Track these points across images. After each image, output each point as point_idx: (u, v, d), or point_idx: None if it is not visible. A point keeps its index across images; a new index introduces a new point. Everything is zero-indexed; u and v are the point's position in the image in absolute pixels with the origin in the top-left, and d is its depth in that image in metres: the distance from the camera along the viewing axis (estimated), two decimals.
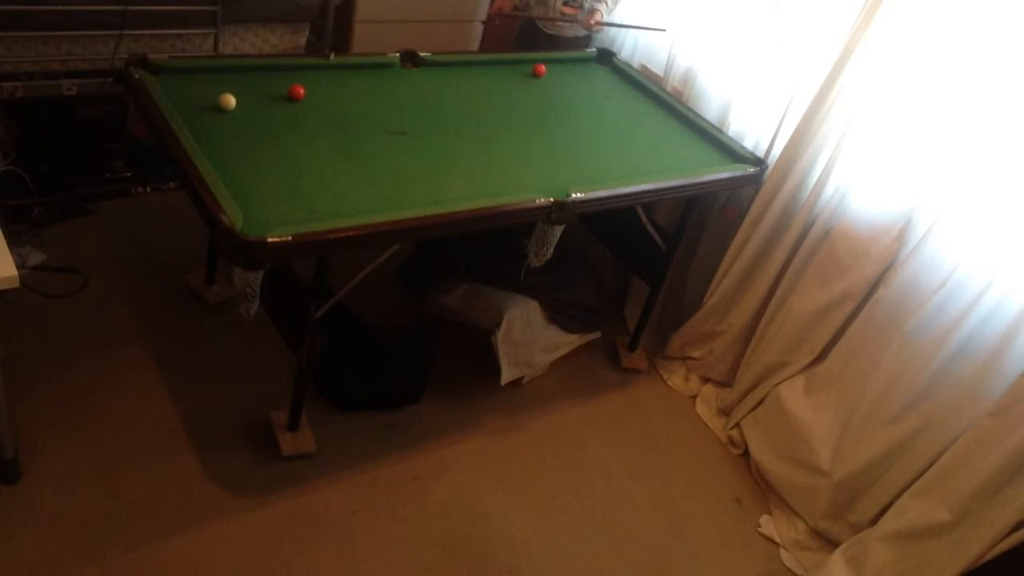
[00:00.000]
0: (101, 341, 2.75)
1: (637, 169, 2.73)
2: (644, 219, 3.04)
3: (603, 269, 3.69)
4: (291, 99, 2.57)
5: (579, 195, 2.43)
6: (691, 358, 3.34)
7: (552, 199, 2.38)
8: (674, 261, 3.18)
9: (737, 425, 3.10)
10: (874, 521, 2.63)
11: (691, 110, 3.19)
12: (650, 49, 3.57)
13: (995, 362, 2.36)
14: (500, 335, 2.83)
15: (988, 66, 2.38)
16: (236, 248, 1.93)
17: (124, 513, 2.29)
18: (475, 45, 4.00)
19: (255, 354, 2.86)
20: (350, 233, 2.05)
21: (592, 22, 3.38)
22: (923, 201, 2.56)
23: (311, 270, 2.27)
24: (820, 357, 2.87)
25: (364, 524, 2.46)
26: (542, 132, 2.83)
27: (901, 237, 2.62)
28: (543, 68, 3.20)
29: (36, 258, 2.95)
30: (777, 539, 2.81)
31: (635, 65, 3.54)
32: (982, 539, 2.28)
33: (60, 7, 2.81)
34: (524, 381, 3.08)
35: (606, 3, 3.39)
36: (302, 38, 3.46)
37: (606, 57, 3.50)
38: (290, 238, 1.95)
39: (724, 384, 3.26)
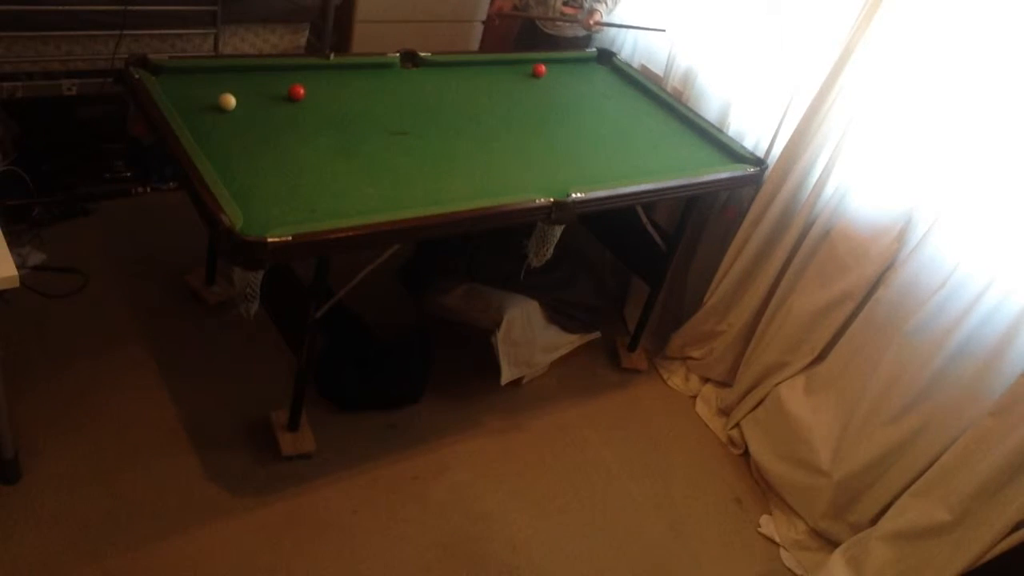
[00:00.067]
0: (101, 341, 2.75)
1: (637, 169, 2.73)
2: (644, 219, 3.04)
3: (603, 269, 3.69)
4: (291, 99, 2.57)
5: (579, 195, 2.43)
6: (691, 358, 3.34)
7: (552, 199, 2.38)
8: (674, 261, 3.18)
9: (737, 425, 3.10)
10: (874, 521, 2.63)
11: (691, 110, 3.19)
12: (650, 49, 3.57)
13: (995, 362, 2.36)
14: (500, 335, 2.83)
15: (988, 66, 2.38)
16: (236, 248, 1.93)
17: (124, 513, 2.29)
18: (475, 45, 4.00)
19: (255, 354, 2.86)
20: (350, 233, 2.05)
21: (592, 22, 3.38)
22: (923, 201, 2.56)
23: (311, 270, 2.27)
24: (820, 357, 2.87)
25: (364, 524, 2.46)
26: (542, 132, 2.83)
27: (901, 237, 2.62)
28: (543, 68, 3.20)
29: (36, 258, 2.95)
30: (777, 539, 2.81)
31: (635, 65, 3.54)
32: (982, 539, 2.28)
33: (60, 7, 2.81)
34: (524, 381, 3.08)
35: (606, 3, 3.39)
36: (302, 38, 3.46)
37: (606, 57, 3.50)
38: (290, 238, 1.95)
39: (724, 384, 3.26)
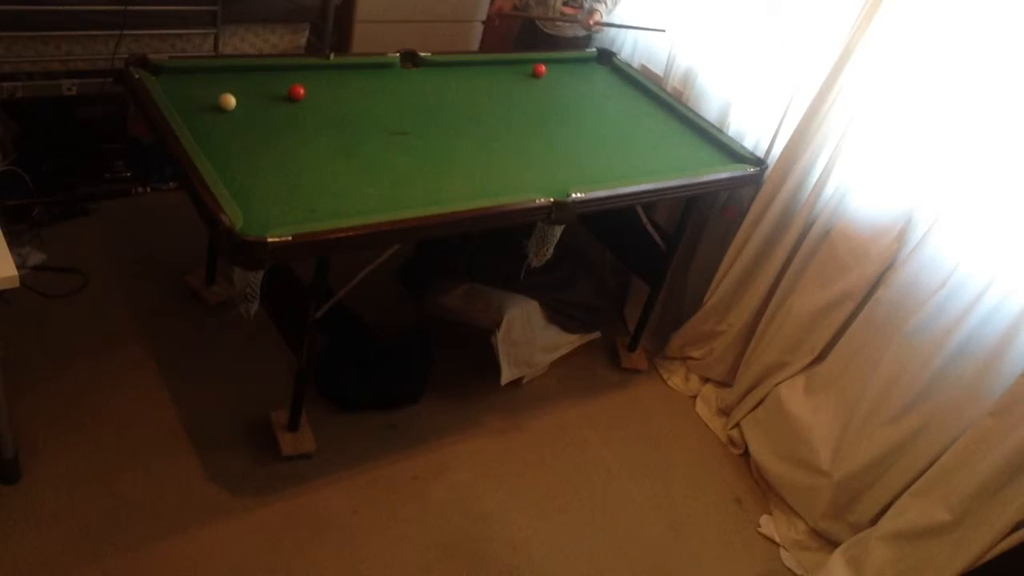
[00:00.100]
0: (101, 341, 2.75)
1: (637, 169, 2.72)
2: (644, 219, 3.04)
3: (603, 269, 3.69)
4: (291, 99, 2.57)
5: (579, 195, 2.43)
6: (691, 358, 3.34)
7: (552, 199, 2.38)
8: (674, 261, 3.18)
9: (737, 425, 3.10)
10: (874, 521, 2.63)
11: (691, 110, 3.19)
12: (650, 49, 3.57)
13: (995, 362, 2.36)
14: (500, 335, 2.83)
15: (988, 66, 2.38)
16: (236, 248, 1.93)
17: (124, 513, 2.29)
18: (475, 45, 4.00)
19: (255, 354, 2.86)
20: (350, 233, 2.05)
21: (591, 22, 3.38)
22: (923, 201, 2.56)
23: (311, 270, 2.27)
24: (820, 357, 2.87)
25: (364, 524, 2.46)
26: (542, 132, 2.83)
27: (901, 237, 2.62)
28: (543, 68, 3.20)
29: (36, 258, 2.95)
30: (777, 539, 2.81)
31: (635, 65, 3.54)
32: (982, 539, 2.28)
33: (60, 7, 2.81)
34: (524, 381, 3.08)
35: (605, 3, 3.39)
36: (302, 38, 3.46)
37: (606, 57, 3.50)
38: (290, 238, 1.95)
39: (724, 384, 3.26)
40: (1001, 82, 2.35)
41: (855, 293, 2.72)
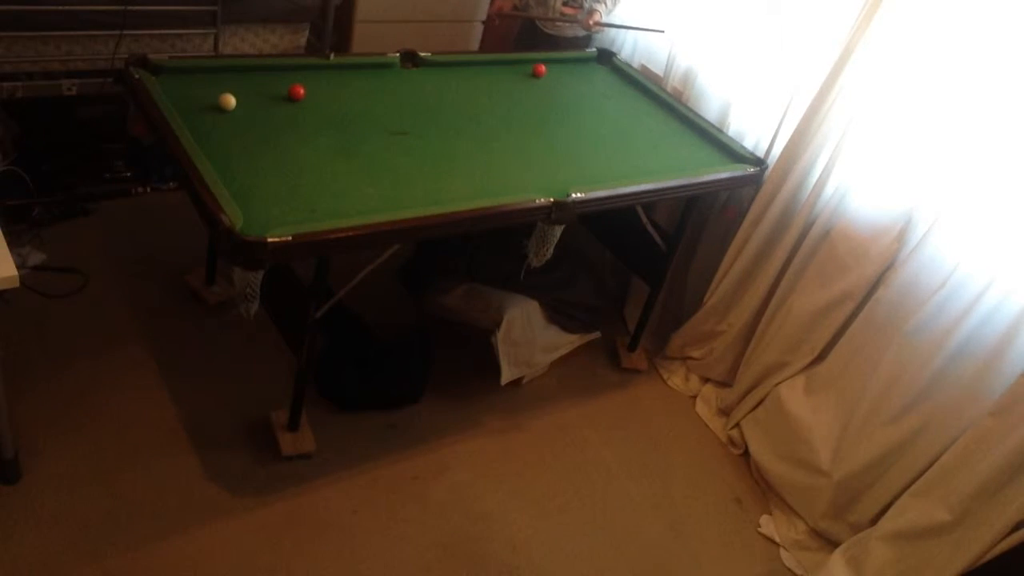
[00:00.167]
0: (101, 341, 2.75)
1: (637, 169, 2.72)
2: (644, 219, 3.04)
3: (603, 269, 3.69)
4: (291, 99, 2.57)
5: (579, 195, 2.43)
6: (691, 358, 3.34)
7: (552, 199, 2.38)
8: (674, 261, 3.18)
9: (737, 425, 3.10)
10: (874, 521, 2.63)
11: (691, 110, 3.19)
12: (650, 49, 3.57)
13: (995, 362, 2.36)
14: (500, 335, 2.83)
15: (988, 66, 2.38)
16: (236, 248, 1.93)
17: (124, 513, 2.29)
18: (475, 45, 4.00)
19: (255, 354, 2.86)
20: (350, 233, 2.05)
21: (591, 22, 3.38)
22: (923, 201, 2.56)
23: (311, 270, 2.27)
24: (820, 357, 2.87)
25: (364, 524, 2.46)
26: (542, 132, 2.83)
27: (901, 237, 2.62)
28: (543, 68, 3.20)
29: (36, 258, 2.95)
30: (777, 539, 2.81)
31: (635, 65, 3.54)
32: (982, 539, 2.28)
33: (60, 7, 2.81)
34: (524, 381, 3.08)
35: (605, 3, 3.39)
36: (302, 38, 3.46)
37: (606, 57, 3.50)
38: (290, 238, 1.95)
39: (724, 384, 3.26)
40: (1001, 82, 2.35)
41: (855, 293, 2.72)
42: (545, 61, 3.26)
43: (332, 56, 2.85)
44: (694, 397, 3.29)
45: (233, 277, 2.10)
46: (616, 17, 3.52)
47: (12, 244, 1.96)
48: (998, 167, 2.35)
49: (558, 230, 2.48)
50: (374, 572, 2.35)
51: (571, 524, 2.66)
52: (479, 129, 2.72)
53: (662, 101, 3.24)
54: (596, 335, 3.22)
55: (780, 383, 2.93)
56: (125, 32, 2.95)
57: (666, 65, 3.42)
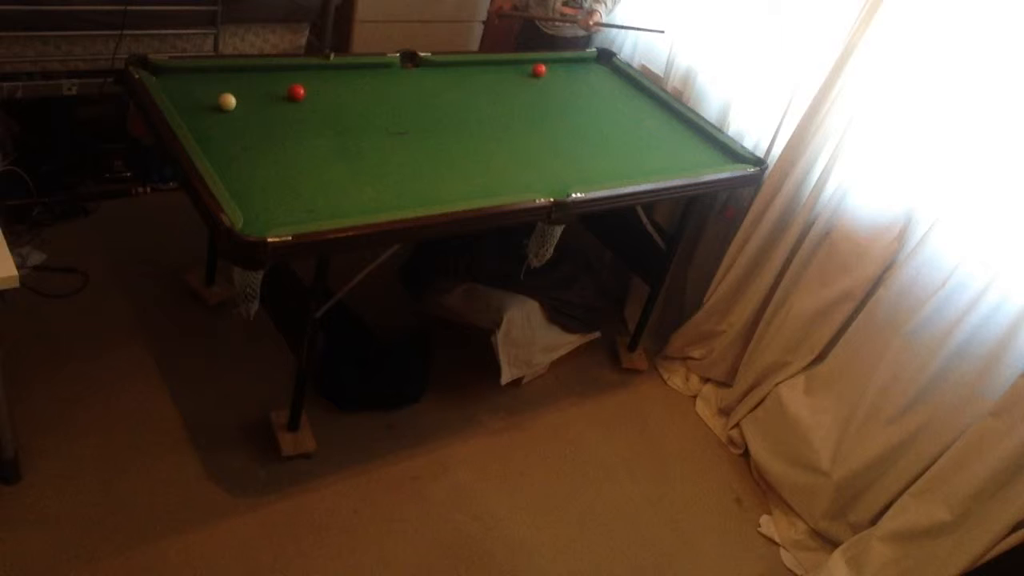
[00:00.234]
0: (101, 341, 2.75)
1: (637, 169, 2.72)
2: (644, 219, 3.04)
3: (603, 269, 3.69)
4: (291, 99, 2.57)
5: (579, 195, 2.43)
6: (691, 358, 3.34)
7: (552, 199, 2.38)
8: (674, 261, 3.18)
9: (737, 425, 3.10)
10: (874, 521, 2.63)
11: (691, 110, 3.19)
12: (650, 49, 3.57)
13: (995, 362, 2.36)
14: (500, 335, 2.83)
15: (988, 66, 2.38)
16: (236, 248, 1.93)
17: (124, 513, 2.29)
18: (475, 45, 4.00)
19: (255, 354, 2.86)
20: (350, 233, 2.05)
21: (591, 23, 3.38)
22: (923, 201, 2.57)
23: (311, 270, 2.27)
24: (820, 357, 2.87)
25: (364, 524, 2.46)
26: (542, 132, 2.83)
27: (901, 237, 2.62)
28: (543, 68, 3.20)
29: (36, 258, 2.95)
30: (777, 539, 2.81)
31: (635, 65, 3.54)
32: (982, 539, 2.28)
33: (60, 7, 2.81)
34: (524, 381, 3.08)
35: (605, 4, 3.39)
36: (302, 38, 3.46)
37: (606, 57, 3.50)
38: (290, 238, 1.95)
39: (724, 384, 3.26)
40: (1001, 82, 2.35)
41: (855, 293, 2.72)
42: (545, 61, 3.26)
43: (332, 56, 2.85)
44: (694, 397, 3.29)
45: (233, 277, 2.10)
46: (616, 17, 3.52)
47: (12, 244, 1.97)
48: (998, 167, 2.35)
49: (558, 230, 2.48)
50: (374, 572, 2.35)
51: (571, 524, 2.66)
52: (479, 129, 2.72)
53: (662, 101, 3.24)
54: (596, 335, 3.22)
55: (780, 383, 2.93)
56: (125, 32, 2.95)
57: (666, 65, 3.42)
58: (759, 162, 2.95)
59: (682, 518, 2.80)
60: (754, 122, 3.11)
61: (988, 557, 2.27)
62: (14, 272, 1.87)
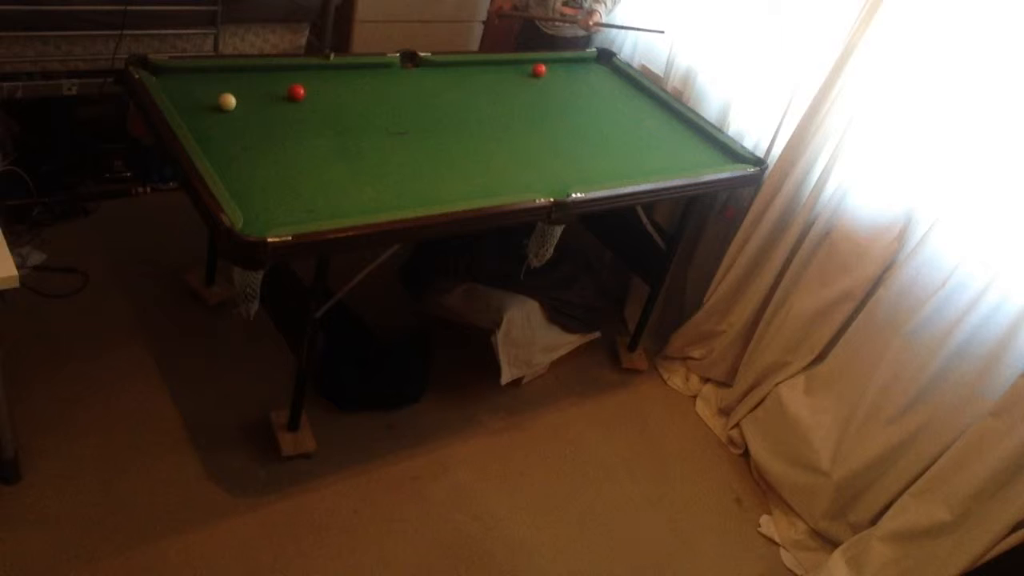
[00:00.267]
0: (101, 341, 2.75)
1: (637, 169, 2.72)
2: (644, 219, 3.04)
3: (603, 269, 3.69)
4: (291, 99, 2.57)
5: (579, 195, 2.43)
6: (691, 358, 3.34)
7: (552, 199, 2.38)
8: (674, 261, 3.18)
9: (737, 425, 3.10)
10: (874, 521, 2.63)
11: (691, 110, 3.19)
12: (650, 49, 3.57)
13: (995, 362, 2.36)
14: (500, 335, 2.83)
15: (988, 66, 2.38)
16: (236, 248, 1.93)
17: (124, 513, 2.29)
18: (475, 45, 4.00)
19: (255, 354, 2.86)
20: (350, 233, 2.05)
21: (590, 23, 3.38)
22: (923, 201, 2.57)
23: (311, 270, 2.27)
24: (820, 357, 2.87)
25: (364, 524, 2.46)
26: (542, 132, 2.83)
27: (901, 237, 2.62)
28: (543, 68, 3.20)
29: (36, 258, 2.95)
30: (777, 539, 2.81)
31: (635, 65, 3.54)
32: (982, 539, 2.28)
33: (60, 7, 2.81)
34: (524, 381, 3.08)
35: (605, 4, 3.39)
36: (302, 38, 3.46)
37: (606, 57, 3.50)
38: (290, 238, 1.95)
39: (724, 384, 3.26)
40: (1001, 82, 2.35)
41: (855, 293, 2.72)
42: (545, 61, 3.26)
43: (332, 56, 2.85)
44: (694, 397, 3.29)
45: (233, 277, 2.10)
46: (616, 17, 3.52)
47: (12, 244, 1.97)
48: (998, 167, 2.35)
49: (558, 230, 2.48)
50: (374, 572, 2.35)
51: (571, 524, 2.66)
52: (479, 129, 2.72)
53: (662, 101, 3.24)
54: (596, 335, 3.22)
55: (780, 383, 2.93)
56: (125, 32, 2.95)
57: (666, 65, 3.42)
58: (759, 162, 2.95)
59: (682, 518, 2.80)
60: (754, 122, 3.11)
61: (988, 557, 2.27)
62: (14, 272, 1.87)
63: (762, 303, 3.04)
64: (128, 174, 3.40)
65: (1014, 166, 2.32)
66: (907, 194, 2.60)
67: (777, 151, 2.98)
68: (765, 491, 2.96)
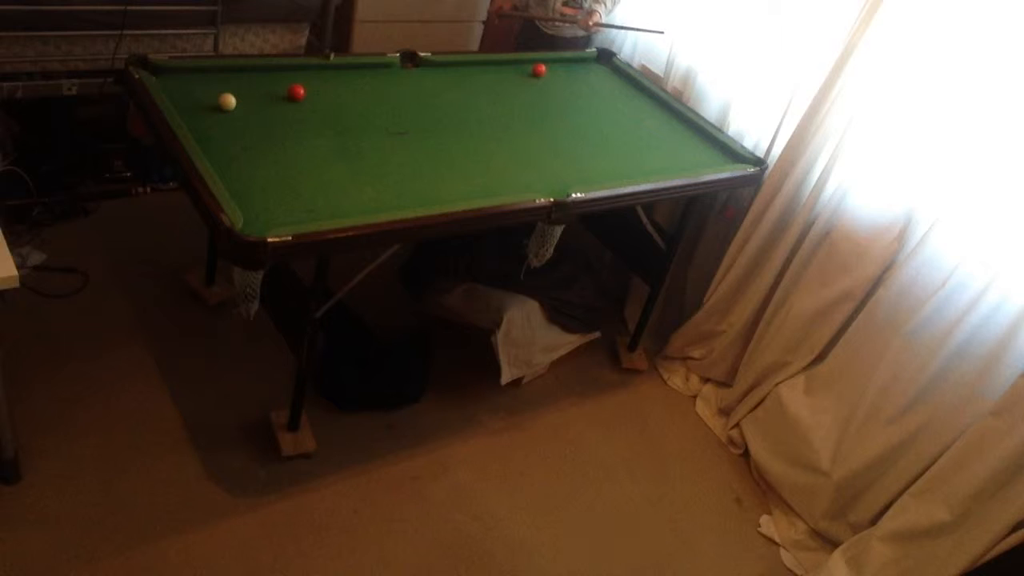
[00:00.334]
0: (101, 341, 2.75)
1: (637, 169, 2.72)
2: (644, 219, 3.04)
3: (603, 269, 3.69)
4: (291, 99, 2.57)
5: (579, 195, 2.43)
6: (691, 358, 3.34)
7: (552, 199, 2.38)
8: (674, 261, 3.18)
9: (737, 425, 3.10)
10: (874, 521, 2.63)
11: (691, 110, 3.19)
12: (650, 49, 3.57)
13: (995, 362, 2.36)
14: (500, 335, 2.83)
15: (988, 66, 2.38)
16: (236, 248, 1.93)
17: (124, 513, 2.29)
18: (475, 45, 4.00)
19: (255, 354, 2.86)
20: (350, 233, 2.05)
21: (590, 23, 3.38)
22: (923, 201, 2.57)
23: (311, 270, 2.27)
24: (820, 357, 2.87)
25: (364, 524, 2.46)
26: (542, 132, 2.83)
27: (901, 237, 2.62)
28: (543, 68, 3.20)
29: (36, 258, 2.95)
30: (777, 539, 2.81)
31: (635, 65, 3.54)
32: (982, 539, 2.28)
33: (60, 7, 2.81)
34: (524, 381, 3.08)
35: (604, 4, 3.39)
36: (302, 38, 3.46)
37: (606, 57, 3.50)
38: (290, 238, 1.95)
39: (724, 384, 3.26)
40: (1001, 82, 2.35)
41: (855, 293, 2.72)
42: (545, 61, 3.26)
43: (332, 56, 2.85)
44: (694, 397, 3.29)
45: (233, 277, 2.10)
46: (616, 17, 3.52)
47: (12, 244, 1.97)
48: (998, 167, 2.35)
49: (558, 230, 2.48)
50: (374, 572, 2.35)
51: (571, 524, 2.66)
52: (479, 129, 2.73)
53: (662, 101, 3.24)
54: (596, 335, 3.22)
55: (780, 383, 2.93)
56: (125, 32, 2.95)
57: (666, 65, 3.42)
58: (759, 162, 2.95)
59: (682, 518, 2.80)
60: (754, 122, 3.11)
61: (988, 557, 2.27)
62: (14, 272, 1.87)
63: (762, 303, 3.04)
64: (128, 174, 3.40)
65: (1014, 166, 2.32)
66: (907, 194, 2.60)
67: (777, 151, 2.98)
68: (765, 491, 2.96)
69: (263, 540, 2.33)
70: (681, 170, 2.79)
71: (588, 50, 3.53)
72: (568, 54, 3.48)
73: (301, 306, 2.35)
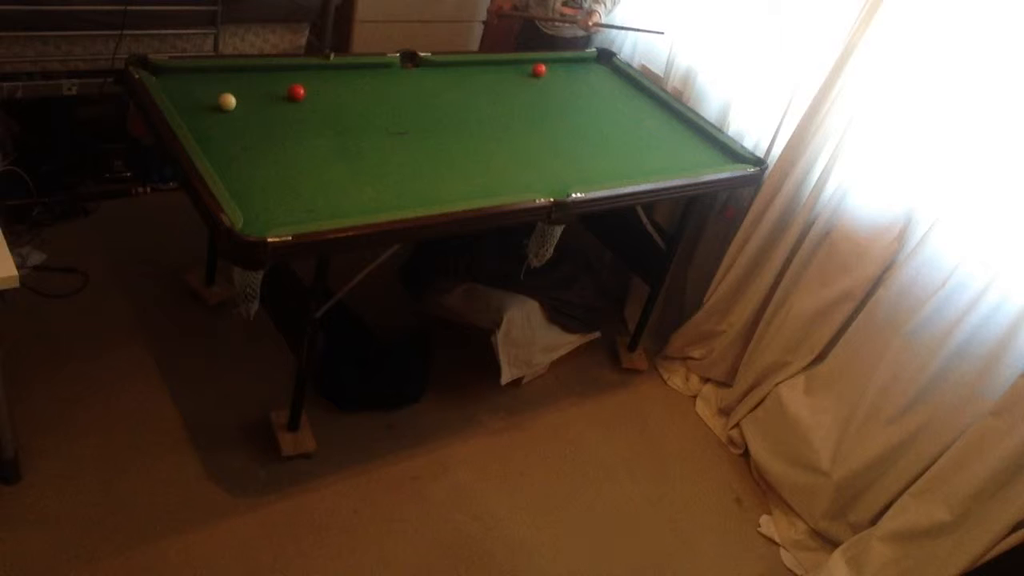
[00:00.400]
0: (101, 341, 2.75)
1: (637, 169, 2.72)
2: (644, 219, 3.04)
3: (603, 269, 3.69)
4: (291, 99, 2.57)
5: (579, 195, 2.43)
6: (691, 358, 3.34)
7: (552, 199, 2.38)
8: (674, 261, 3.18)
9: (737, 425, 3.10)
10: (874, 521, 2.63)
11: (691, 110, 3.19)
12: (650, 49, 3.57)
13: (995, 362, 2.36)
14: (500, 335, 2.83)
15: (988, 66, 2.38)
16: (236, 248, 1.93)
17: (124, 513, 2.29)
18: (475, 45, 4.00)
19: (255, 354, 2.86)
20: (350, 233, 2.05)
21: (590, 23, 3.38)
22: (923, 201, 2.57)
23: (311, 270, 2.27)
24: (820, 357, 2.87)
25: (364, 524, 2.46)
26: (542, 132, 2.83)
27: (901, 237, 2.62)
28: (543, 68, 3.20)
29: (36, 258, 2.95)
30: (777, 539, 2.81)
31: (635, 65, 3.54)
32: (982, 539, 2.28)
33: (60, 7, 2.81)
34: (524, 381, 3.08)
35: (604, 4, 3.39)
36: (302, 38, 3.46)
37: (606, 57, 3.50)
38: (290, 238, 1.95)
39: (724, 384, 3.26)
40: (1001, 82, 2.35)
41: (855, 293, 2.72)
42: (545, 61, 3.26)
43: (332, 56, 2.85)
44: (694, 397, 3.29)
45: (233, 277, 2.10)
46: (615, 18, 3.52)
47: (12, 244, 1.97)
48: (998, 167, 2.35)
49: (558, 230, 2.48)
50: (374, 572, 2.35)
51: (571, 524, 2.66)
52: (479, 129, 2.73)
53: (662, 101, 3.24)
54: (596, 335, 3.22)
55: (780, 383, 2.93)
56: (125, 32, 2.95)
57: (666, 65, 3.42)
58: (759, 162, 2.95)
59: (682, 518, 2.80)
60: (754, 122, 3.11)
61: (988, 557, 2.27)
62: (14, 272, 1.87)
63: (762, 303, 3.04)
64: (128, 174, 3.40)
65: (1014, 166, 2.32)
66: (907, 194, 2.60)
67: (777, 151, 2.98)
68: (765, 491, 2.96)
69: (263, 540, 2.33)
70: (681, 170, 2.79)
71: (588, 50, 3.53)
72: (568, 54, 3.48)
73: (301, 306, 2.35)
